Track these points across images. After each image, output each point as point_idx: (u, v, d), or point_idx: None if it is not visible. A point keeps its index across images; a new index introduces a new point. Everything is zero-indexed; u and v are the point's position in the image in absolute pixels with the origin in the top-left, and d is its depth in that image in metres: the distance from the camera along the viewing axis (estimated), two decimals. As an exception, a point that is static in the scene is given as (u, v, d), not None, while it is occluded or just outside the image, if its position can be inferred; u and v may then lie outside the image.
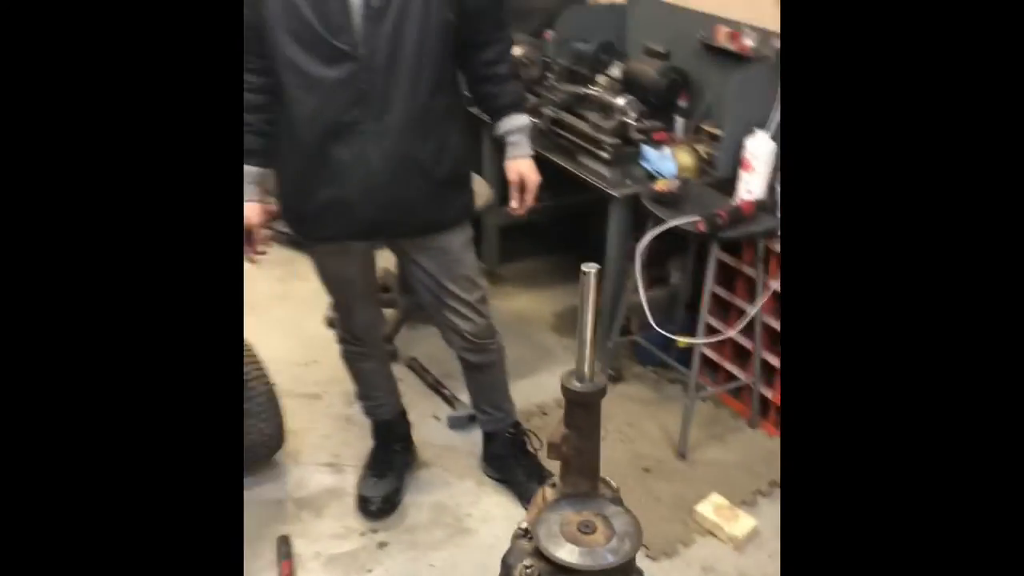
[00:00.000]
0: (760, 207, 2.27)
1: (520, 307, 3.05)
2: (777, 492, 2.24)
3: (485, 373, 2.08)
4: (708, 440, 2.43)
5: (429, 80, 1.66)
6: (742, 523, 2.12)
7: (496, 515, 2.16)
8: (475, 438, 2.35)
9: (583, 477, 1.36)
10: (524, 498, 2.15)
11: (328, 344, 2.79)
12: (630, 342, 2.70)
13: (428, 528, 2.12)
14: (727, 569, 2.03)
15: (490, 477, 2.27)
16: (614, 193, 2.43)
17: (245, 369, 2.12)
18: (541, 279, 3.27)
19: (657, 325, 2.27)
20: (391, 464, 2.21)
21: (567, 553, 1.23)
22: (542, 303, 3.11)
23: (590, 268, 1.24)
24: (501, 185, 2.72)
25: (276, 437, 2.21)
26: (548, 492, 1.39)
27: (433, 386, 2.60)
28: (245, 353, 2.14)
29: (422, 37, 1.61)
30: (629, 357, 2.73)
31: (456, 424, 2.46)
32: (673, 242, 2.68)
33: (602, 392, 1.30)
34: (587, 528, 1.29)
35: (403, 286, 2.84)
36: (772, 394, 2.44)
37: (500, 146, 1.95)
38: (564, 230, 3.33)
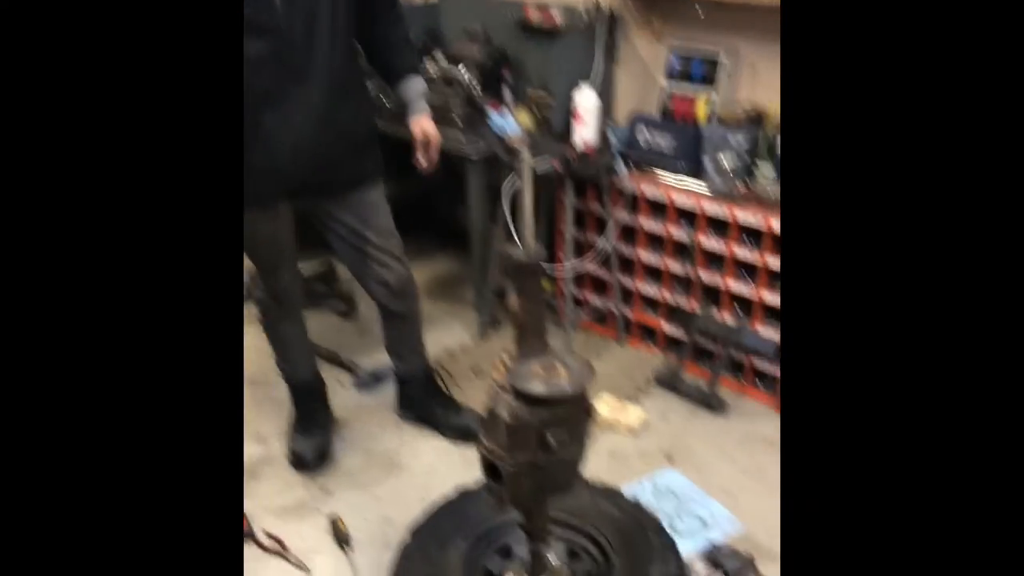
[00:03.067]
0: (598, 151, 2.66)
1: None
2: (652, 388, 2.61)
3: (406, 320, 2.26)
4: (588, 358, 2.76)
5: (341, 50, 1.86)
6: (632, 414, 2.46)
7: (424, 448, 2.34)
8: (382, 394, 2.53)
9: (537, 336, 1.61)
10: (444, 430, 2.35)
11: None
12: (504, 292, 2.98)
13: (365, 470, 2.26)
14: (628, 451, 2.35)
15: (409, 419, 2.44)
16: (472, 155, 2.70)
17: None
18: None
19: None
20: (316, 420, 2.32)
21: (538, 387, 1.48)
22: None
23: (527, 158, 1.51)
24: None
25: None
26: (506, 358, 1.63)
27: (328, 358, 2.72)
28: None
29: (333, 12, 1.81)
30: (505, 308, 3.01)
31: (362, 384, 2.61)
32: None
33: (541, 259, 1.57)
34: (550, 370, 1.54)
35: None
36: (631, 314, 2.83)
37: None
38: (414, 212, 3.56)
